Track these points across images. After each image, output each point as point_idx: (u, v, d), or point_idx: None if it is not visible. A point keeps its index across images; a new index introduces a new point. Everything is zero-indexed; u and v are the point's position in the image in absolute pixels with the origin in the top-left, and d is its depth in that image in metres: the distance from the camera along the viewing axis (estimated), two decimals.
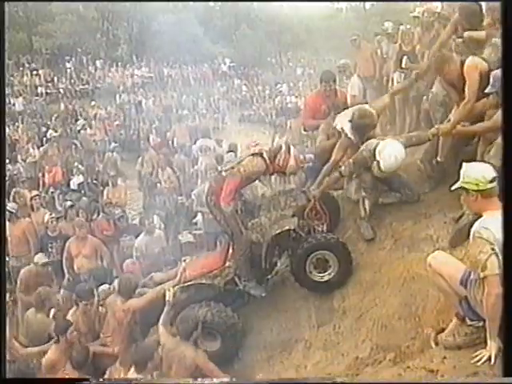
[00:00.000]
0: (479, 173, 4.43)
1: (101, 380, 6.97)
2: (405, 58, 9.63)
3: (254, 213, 7.51)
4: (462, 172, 4.56)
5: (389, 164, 6.77)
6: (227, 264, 7.46)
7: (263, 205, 7.77)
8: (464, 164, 4.63)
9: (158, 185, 14.69)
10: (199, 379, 6.61)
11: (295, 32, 43.55)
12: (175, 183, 14.38)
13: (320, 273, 7.04)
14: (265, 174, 7.33)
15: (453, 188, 4.62)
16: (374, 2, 44.64)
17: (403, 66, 9.73)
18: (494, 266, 4.15)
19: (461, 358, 4.47)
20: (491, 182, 4.37)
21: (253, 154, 7.10)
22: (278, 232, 7.21)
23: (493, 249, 4.16)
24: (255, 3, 44.00)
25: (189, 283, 7.49)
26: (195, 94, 30.47)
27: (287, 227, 7.21)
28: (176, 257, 9.85)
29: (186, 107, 27.33)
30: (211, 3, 43.77)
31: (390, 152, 6.76)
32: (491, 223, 4.25)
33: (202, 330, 7.02)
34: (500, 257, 4.14)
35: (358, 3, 46.08)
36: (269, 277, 7.42)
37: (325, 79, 8.66)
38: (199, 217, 11.61)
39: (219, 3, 43.91)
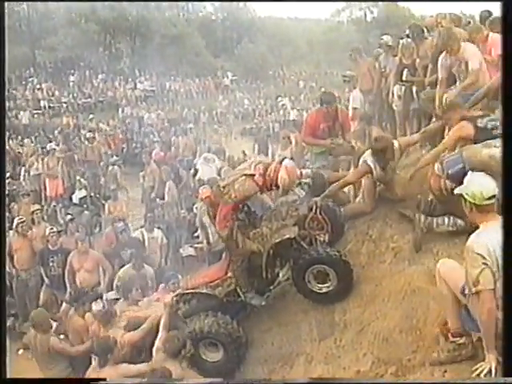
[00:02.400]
0: (479, 187, 4.38)
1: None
2: (405, 70, 9.67)
3: (255, 223, 7.48)
4: (465, 179, 4.58)
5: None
6: (229, 274, 7.45)
7: (264, 215, 7.74)
8: (470, 172, 4.70)
9: (160, 198, 14.74)
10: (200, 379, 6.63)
11: (297, 45, 43.76)
12: (176, 197, 14.41)
13: (319, 283, 7.02)
14: (261, 192, 7.33)
15: (455, 192, 4.59)
16: (375, 15, 44.97)
17: (404, 78, 9.78)
18: (487, 280, 4.10)
19: (462, 372, 4.47)
20: (489, 199, 4.32)
21: (245, 175, 7.00)
22: (278, 241, 7.12)
23: (485, 263, 4.10)
24: (256, 17, 44.32)
25: (189, 291, 7.49)
26: (197, 107, 30.57)
27: (287, 236, 7.13)
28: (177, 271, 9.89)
29: (188, 120, 27.41)
30: (213, 16, 44.03)
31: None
32: (486, 236, 4.21)
33: (202, 341, 7.08)
34: (495, 269, 4.09)
35: (358, 15, 46.35)
36: (271, 287, 7.41)
37: (325, 101, 8.60)
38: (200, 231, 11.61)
39: (221, 16, 44.15)
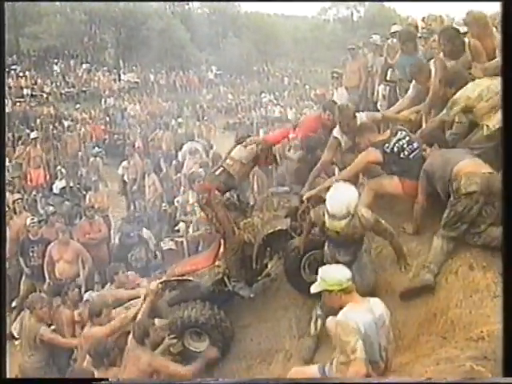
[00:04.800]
0: (339, 274, 4.95)
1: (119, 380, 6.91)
2: (390, 70, 9.73)
3: (246, 212, 7.47)
4: (320, 276, 5.04)
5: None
6: (217, 263, 7.43)
7: (256, 205, 7.73)
8: (320, 269, 5.13)
9: (142, 191, 14.70)
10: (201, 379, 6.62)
11: (282, 42, 43.75)
12: (159, 189, 14.37)
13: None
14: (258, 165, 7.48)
15: (313, 291, 5.06)
16: (362, 14, 45.13)
17: (388, 78, 9.83)
18: (362, 349, 4.54)
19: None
20: (349, 280, 4.89)
21: (239, 144, 7.25)
22: (270, 232, 7.13)
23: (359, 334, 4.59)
24: (242, 12, 44.30)
25: (175, 278, 7.47)
26: (181, 100, 30.48)
27: (279, 227, 7.16)
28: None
29: (171, 113, 27.31)
30: (199, 10, 43.93)
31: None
32: (354, 313, 4.70)
33: (187, 330, 7.11)
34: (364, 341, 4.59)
35: (345, 14, 46.48)
36: (259, 278, 7.41)
37: (327, 108, 8.51)
38: (181, 224, 11.59)
39: (207, 10, 44.06)
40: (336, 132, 7.61)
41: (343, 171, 7.29)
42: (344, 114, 7.49)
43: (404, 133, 6.77)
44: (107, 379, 6.72)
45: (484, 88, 6.30)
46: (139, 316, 7.40)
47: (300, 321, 7.06)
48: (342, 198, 5.53)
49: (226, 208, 7.08)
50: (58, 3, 36.92)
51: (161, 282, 7.61)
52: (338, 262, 5.71)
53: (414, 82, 7.91)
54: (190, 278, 7.34)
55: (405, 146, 6.64)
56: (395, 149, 6.64)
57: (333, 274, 4.98)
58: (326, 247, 6.23)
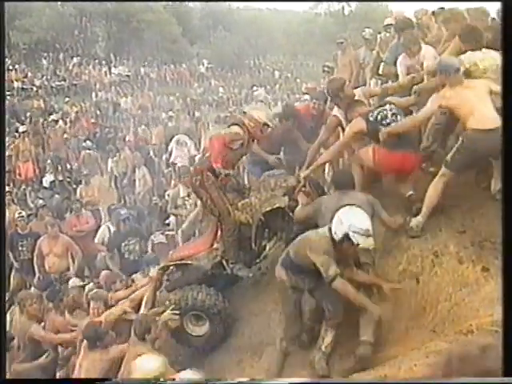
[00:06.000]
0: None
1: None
2: (382, 64, 9.72)
3: (243, 194, 7.47)
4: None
5: None
6: (215, 246, 7.42)
7: (253, 185, 7.72)
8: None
9: (132, 184, 14.67)
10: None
11: (273, 35, 43.59)
12: (149, 183, 14.34)
13: None
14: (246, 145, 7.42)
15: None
16: (353, 9, 45.04)
17: (380, 72, 9.82)
18: None
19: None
20: None
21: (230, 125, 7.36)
22: (268, 209, 7.15)
23: None
24: (234, 6, 44.14)
25: (174, 263, 7.50)
26: (172, 93, 30.36)
27: (278, 205, 7.16)
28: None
29: (162, 107, 27.22)
30: (190, 4, 43.74)
31: None
32: None
33: (187, 315, 7.09)
34: None
35: (336, 9, 46.37)
36: (257, 260, 7.43)
37: (315, 97, 8.70)
38: (172, 218, 11.57)
39: (198, 3, 43.87)
40: (335, 111, 7.65)
41: (333, 145, 7.35)
42: (333, 85, 7.56)
43: (393, 106, 6.81)
44: (110, 379, 6.72)
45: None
46: (142, 306, 7.43)
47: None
48: (360, 213, 5.58)
49: (219, 189, 7.09)
50: None
51: (160, 268, 7.62)
52: None
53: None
54: (189, 262, 7.35)
55: (388, 114, 6.72)
56: (378, 117, 6.71)
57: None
58: None
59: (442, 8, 8.60)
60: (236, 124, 7.27)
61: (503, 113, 4.94)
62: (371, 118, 6.75)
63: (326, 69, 11.91)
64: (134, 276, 9.29)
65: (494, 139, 5.34)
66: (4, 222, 8.67)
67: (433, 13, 8.98)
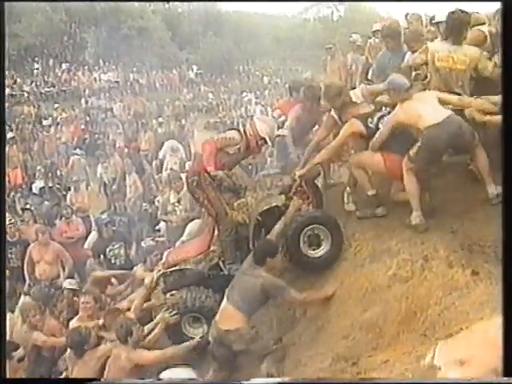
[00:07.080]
0: None
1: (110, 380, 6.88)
2: (371, 69, 9.75)
3: (239, 193, 7.46)
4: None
5: None
6: (212, 248, 7.42)
7: (249, 185, 7.74)
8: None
9: (122, 190, 14.65)
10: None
11: (263, 41, 43.63)
12: (140, 189, 14.34)
13: (314, 248, 6.86)
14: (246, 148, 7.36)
15: None
16: (342, 14, 45.21)
17: (369, 77, 9.85)
18: None
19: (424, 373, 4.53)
20: None
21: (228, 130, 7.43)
22: (265, 208, 7.13)
23: None
24: (223, 11, 44.15)
25: (171, 269, 7.46)
26: (161, 99, 30.34)
27: (274, 204, 7.14)
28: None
29: (152, 113, 27.21)
30: (179, 9, 43.73)
31: None
32: None
33: (184, 316, 7.08)
34: None
35: (326, 14, 46.50)
36: None
37: (308, 95, 8.37)
38: (162, 224, 11.57)
39: (187, 9, 43.86)
40: (332, 112, 7.60)
41: (329, 144, 7.28)
42: (331, 92, 7.39)
43: (389, 108, 6.82)
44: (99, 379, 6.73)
45: None
46: (132, 309, 7.43)
47: (281, 321, 7.08)
48: None
49: (216, 189, 7.10)
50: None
51: (159, 275, 7.60)
52: None
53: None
54: (188, 267, 7.35)
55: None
56: (380, 126, 6.75)
57: None
58: None
59: None
60: (234, 129, 7.37)
61: (503, 113, 4.97)
62: (371, 125, 6.78)
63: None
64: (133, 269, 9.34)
65: (448, 131, 6.12)
66: (4, 226, 8.64)
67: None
